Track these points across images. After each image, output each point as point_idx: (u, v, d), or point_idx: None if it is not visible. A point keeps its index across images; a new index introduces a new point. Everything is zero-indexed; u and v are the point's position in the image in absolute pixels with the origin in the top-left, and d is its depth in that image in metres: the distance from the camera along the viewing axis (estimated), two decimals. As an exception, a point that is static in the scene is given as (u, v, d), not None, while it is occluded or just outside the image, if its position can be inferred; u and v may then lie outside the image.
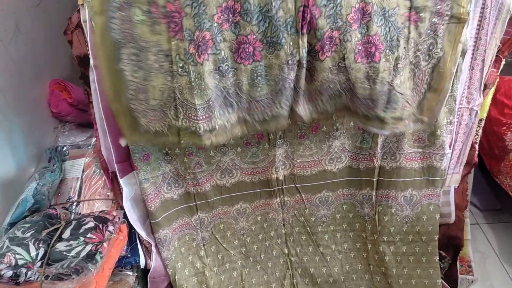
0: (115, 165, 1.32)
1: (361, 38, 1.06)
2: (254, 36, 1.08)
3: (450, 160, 1.53)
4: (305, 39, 1.06)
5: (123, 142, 1.17)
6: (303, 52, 1.08)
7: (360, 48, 1.07)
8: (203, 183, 1.46)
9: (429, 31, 1.10)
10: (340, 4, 1.04)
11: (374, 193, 1.53)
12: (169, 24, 1.00)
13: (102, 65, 1.04)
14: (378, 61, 1.08)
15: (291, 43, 1.06)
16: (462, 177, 1.61)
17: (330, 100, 1.17)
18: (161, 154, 1.37)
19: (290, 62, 1.08)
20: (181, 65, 1.03)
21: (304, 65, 1.09)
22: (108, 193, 1.42)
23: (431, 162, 1.44)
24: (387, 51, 1.08)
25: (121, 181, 1.34)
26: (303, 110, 1.17)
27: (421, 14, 1.09)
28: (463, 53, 1.18)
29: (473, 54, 1.33)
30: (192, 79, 1.05)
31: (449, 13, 1.09)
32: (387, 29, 1.07)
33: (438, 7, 1.09)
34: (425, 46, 1.12)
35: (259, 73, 1.11)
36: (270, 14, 1.03)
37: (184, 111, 1.09)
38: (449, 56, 1.12)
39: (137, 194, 1.39)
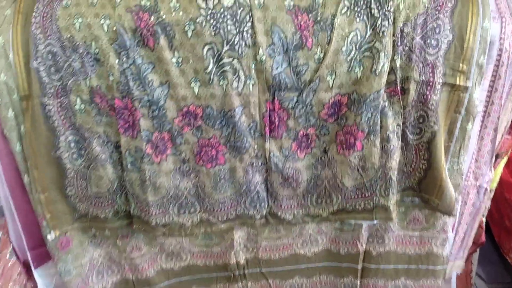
0: (28, 252, 1.09)
1: (340, 129, 1.01)
2: (217, 140, 1.04)
3: (453, 245, 1.31)
4: (274, 143, 1.02)
5: (52, 235, 1.02)
6: (271, 156, 1.03)
7: (341, 138, 1.01)
8: (144, 268, 1.19)
9: (418, 103, 0.97)
10: (310, 104, 0.99)
11: (358, 283, 1.31)
12: (118, 119, 0.94)
13: (32, 153, 0.95)
14: (361, 149, 1.01)
15: (255, 146, 1.03)
16: (466, 258, 1.38)
17: (320, 200, 1.09)
18: (86, 236, 1.11)
19: (254, 164, 1.04)
20: (131, 161, 0.97)
21: (274, 169, 1.04)
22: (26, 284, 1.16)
23: (430, 248, 1.24)
24: (371, 136, 0.99)
25: (35, 272, 1.11)
26: (289, 215, 1.09)
27: (405, 86, 0.96)
28: (472, 118, 1.00)
29: (482, 121, 1.09)
30: (147, 177, 1.00)
31: (441, 81, 0.95)
32: (369, 114, 0.97)
33: (428, 76, 0.94)
34: (412, 119, 0.99)
35: (222, 176, 1.06)
36: (233, 120, 0.99)
37: (136, 202, 1.03)
38: (442, 129, 0.99)
39: (58, 285, 1.14)
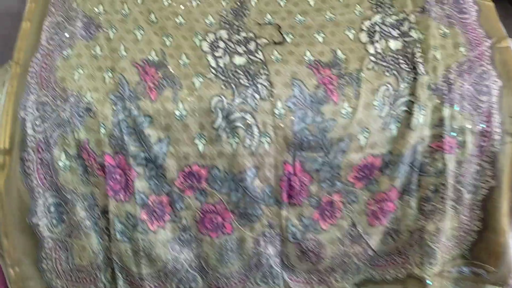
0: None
1: (371, 196, 0.90)
2: (224, 206, 0.89)
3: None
4: (293, 210, 0.90)
5: None
6: (289, 226, 0.91)
7: (373, 208, 0.90)
8: None
9: (473, 156, 0.87)
10: (338, 166, 0.87)
11: None
12: (107, 180, 0.83)
13: (3, 218, 0.84)
14: (393, 210, 0.90)
15: (269, 214, 0.90)
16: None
17: (347, 276, 0.97)
18: None
19: (267, 234, 0.91)
20: (121, 229, 0.86)
21: (291, 240, 0.92)
22: None
23: None
24: (406, 196, 0.89)
25: None
26: None
27: (460, 139, 0.86)
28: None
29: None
30: (140, 248, 0.88)
31: (499, 130, 0.86)
32: (408, 175, 0.88)
33: (483, 125, 0.86)
34: (468, 175, 0.89)
35: (229, 248, 0.93)
36: (244, 184, 0.87)
37: (125, 277, 0.91)
38: (507, 186, 0.89)
39: None
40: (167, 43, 0.91)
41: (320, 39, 0.91)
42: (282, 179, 0.88)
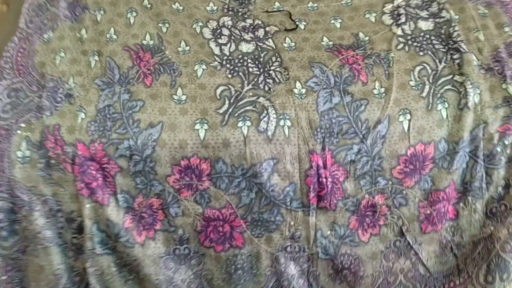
0: None
1: (425, 196, 0.75)
2: (233, 210, 0.71)
3: None
4: (324, 216, 0.74)
5: None
6: (318, 237, 0.75)
7: (427, 211, 0.76)
8: None
9: None
10: (379, 156, 0.72)
11: None
12: (78, 175, 0.68)
13: None
14: (454, 217, 0.77)
15: (292, 223, 0.73)
16: None
17: None
18: None
19: (289, 248, 0.74)
20: (98, 240, 0.70)
21: (322, 256, 0.76)
22: None
23: None
24: (469, 198, 0.76)
25: None
26: None
27: None
28: None
29: None
30: (123, 264, 0.72)
31: None
32: (471, 168, 0.75)
33: None
34: None
35: (239, 265, 0.74)
36: (259, 180, 0.70)
37: None
38: None
39: None
40: (164, 29, 0.83)
41: (338, 25, 0.86)
42: (309, 174, 0.71)
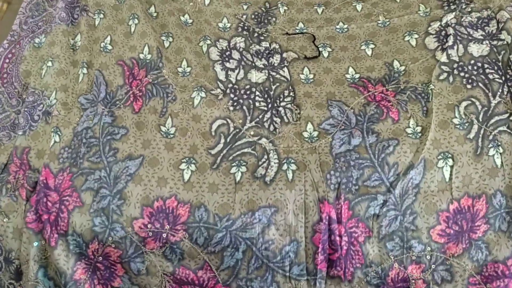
0: None
1: (476, 269, 0.56)
2: (212, 273, 0.55)
3: None
4: None
5: None
6: None
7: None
8: None
9: None
10: (412, 210, 0.56)
11: None
12: (34, 204, 0.57)
13: None
14: None
15: None
16: None
17: None
18: None
19: None
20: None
21: None
22: None
23: None
24: None
25: None
26: None
27: None
28: None
29: None
30: None
31: None
32: None
33: None
34: None
35: None
36: (248, 234, 0.55)
37: None
38: None
39: None
40: (166, 43, 0.74)
41: (369, 51, 0.73)
42: (318, 229, 0.54)
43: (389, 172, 0.56)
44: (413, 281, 0.53)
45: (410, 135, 0.60)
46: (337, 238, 0.53)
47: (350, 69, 0.69)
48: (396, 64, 0.69)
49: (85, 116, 0.63)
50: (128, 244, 0.53)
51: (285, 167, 0.57)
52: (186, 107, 0.65)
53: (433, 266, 0.53)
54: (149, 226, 0.53)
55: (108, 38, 0.72)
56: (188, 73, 0.69)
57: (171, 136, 0.61)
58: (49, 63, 0.69)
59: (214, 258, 0.53)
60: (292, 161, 0.58)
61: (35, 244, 0.54)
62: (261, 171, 0.57)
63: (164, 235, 0.53)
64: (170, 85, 0.67)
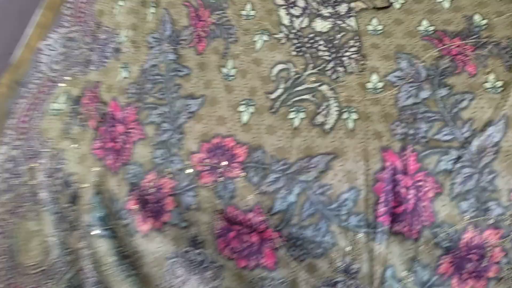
0: None
1: None
2: (262, 217, 0.52)
3: None
4: (399, 246, 0.52)
5: None
6: (387, 278, 0.50)
7: None
8: None
9: None
10: (491, 169, 0.50)
11: None
12: (101, 133, 0.59)
13: None
14: None
15: (348, 248, 0.52)
16: None
17: None
18: None
19: (340, 286, 0.52)
20: (97, 216, 0.55)
21: None
22: None
23: None
24: None
25: None
26: None
27: None
28: None
29: None
30: (125, 253, 0.55)
31: None
32: None
33: None
34: None
35: None
36: (304, 177, 0.52)
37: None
38: None
39: None
40: None
41: (447, 4, 0.67)
42: (380, 177, 0.50)
43: (463, 127, 0.51)
44: (490, 247, 0.47)
45: (489, 90, 0.54)
46: (403, 190, 0.48)
47: (424, 22, 0.64)
48: (477, 18, 0.63)
49: (152, 54, 0.64)
50: (183, 177, 0.54)
51: (345, 115, 0.54)
52: (247, 50, 0.64)
53: None
54: (206, 160, 0.54)
55: None
56: (252, 16, 0.68)
57: (232, 77, 0.61)
58: (121, 2, 0.71)
59: (266, 200, 0.52)
60: (353, 110, 0.55)
61: (95, 169, 0.56)
62: (320, 118, 0.55)
63: (220, 170, 0.53)
64: (232, 26, 0.67)
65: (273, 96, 0.59)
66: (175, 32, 0.67)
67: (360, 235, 0.50)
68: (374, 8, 0.67)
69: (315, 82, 0.59)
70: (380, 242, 0.49)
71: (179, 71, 0.62)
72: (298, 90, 0.59)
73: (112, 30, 0.69)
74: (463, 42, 0.61)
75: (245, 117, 0.57)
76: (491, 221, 0.47)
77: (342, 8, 0.67)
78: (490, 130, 0.50)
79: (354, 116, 0.54)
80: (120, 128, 0.58)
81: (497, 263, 0.47)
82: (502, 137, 0.50)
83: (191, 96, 0.60)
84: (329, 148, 0.52)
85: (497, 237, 0.47)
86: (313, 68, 0.61)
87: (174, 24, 0.67)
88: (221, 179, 0.52)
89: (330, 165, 0.51)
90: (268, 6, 0.69)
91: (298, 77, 0.60)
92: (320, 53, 0.63)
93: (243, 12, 0.69)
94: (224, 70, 0.62)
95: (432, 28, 0.64)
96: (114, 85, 0.62)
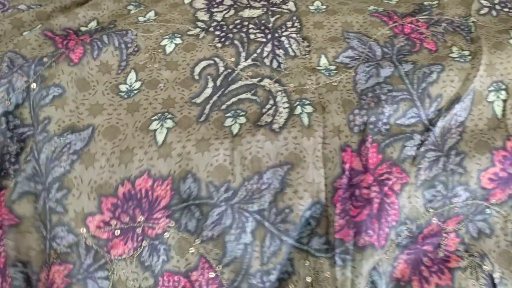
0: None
1: None
2: (211, 270, 0.42)
3: None
4: (360, 256, 0.44)
5: None
6: None
7: None
8: None
9: None
10: (457, 149, 0.46)
11: None
12: None
13: None
14: None
15: (309, 279, 0.43)
16: None
17: None
18: None
19: None
20: None
21: None
22: None
23: None
24: None
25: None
26: None
27: None
28: None
29: None
30: None
31: None
32: None
33: None
34: None
35: None
36: (257, 206, 0.42)
37: None
38: None
39: None
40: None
41: None
42: (338, 185, 0.42)
43: (430, 107, 0.44)
44: (445, 234, 0.45)
45: (458, 59, 0.49)
46: (364, 191, 0.41)
47: (372, 6, 0.58)
48: (427, 2, 0.59)
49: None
50: (82, 253, 0.36)
51: (298, 110, 0.44)
52: (155, 55, 0.50)
53: (469, 217, 0.44)
54: (111, 223, 0.37)
55: None
56: (152, 19, 0.55)
57: (136, 92, 0.46)
58: None
59: (213, 248, 0.40)
60: (307, 102, 0.45)
61: None
62: (266, 119, 0.44)
63: (139, 230, 0.36)
64: (128, 32, 0.52)
65: (200, 99, 0.46)
66: (33, 54, 0.49)
67: (323, 260, 0.41)
68: None
69: (252, 77, 0.48)
70: (342, 266, 0.41)
71: (45, 96, 0.44)
72: (232, 90, 0.47)
73: None
74: (415, 18, 0.56)
75: (160, 137, 0.41)
76: (456, 209, 0.44)
77: None
78: (457, 108, 0.45)
79: (309, 108, 0.44)
80: None
81: (454, 251, 0.45)
82: (467, 116, 0.46)
83: (72, 129, 0.42)
84: (282, 156, 0.41)
85: (454, 223, 0.45)
86: (247, 57, 0.50)
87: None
88: (145, 242, 0.36)
89: (286, 181, 0.40)
90: (181, 8, 0.57)
91: (230, 73, 0.49)
92: (252, 36, 0.53)
93: (140, 19, 0.55)
94: (124, 87, 0.47)
95: (381, 8, 0.58)
96: None
